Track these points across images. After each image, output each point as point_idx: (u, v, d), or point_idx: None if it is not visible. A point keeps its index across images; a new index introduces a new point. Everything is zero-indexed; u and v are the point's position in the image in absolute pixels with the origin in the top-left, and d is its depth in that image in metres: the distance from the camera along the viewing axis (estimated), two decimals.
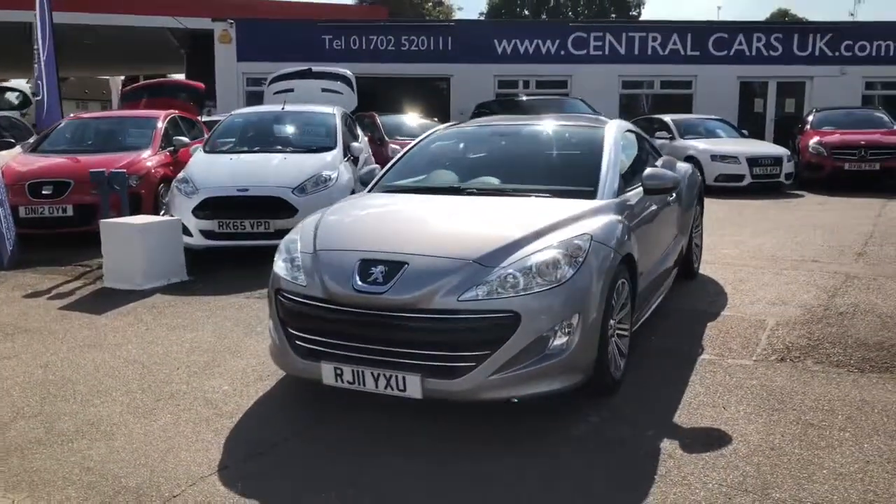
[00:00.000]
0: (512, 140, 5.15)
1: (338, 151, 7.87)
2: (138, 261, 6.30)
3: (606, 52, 19.23)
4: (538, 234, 3.59)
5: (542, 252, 3.44)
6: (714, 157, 13.55)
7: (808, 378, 4.04)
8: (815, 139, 14.48)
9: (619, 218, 3.99)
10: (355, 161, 8.24)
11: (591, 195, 4.16)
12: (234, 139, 8.35)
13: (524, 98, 16.57)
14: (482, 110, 17.98)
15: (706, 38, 19.14)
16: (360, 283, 3.43)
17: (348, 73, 10.91)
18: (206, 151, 7.98)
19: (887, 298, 5.60)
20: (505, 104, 17.30)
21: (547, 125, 5.23)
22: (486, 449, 3.31)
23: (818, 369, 4.17)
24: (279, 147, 8.14)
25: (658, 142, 12.99)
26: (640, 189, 4.54)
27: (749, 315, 5.20)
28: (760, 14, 44.56)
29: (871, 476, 3.00)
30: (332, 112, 8.76)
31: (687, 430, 3.44)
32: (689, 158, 12.46)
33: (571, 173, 4.53)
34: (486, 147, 5.12)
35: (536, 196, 4.23)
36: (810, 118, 15.85)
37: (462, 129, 5.41)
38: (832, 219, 10.18)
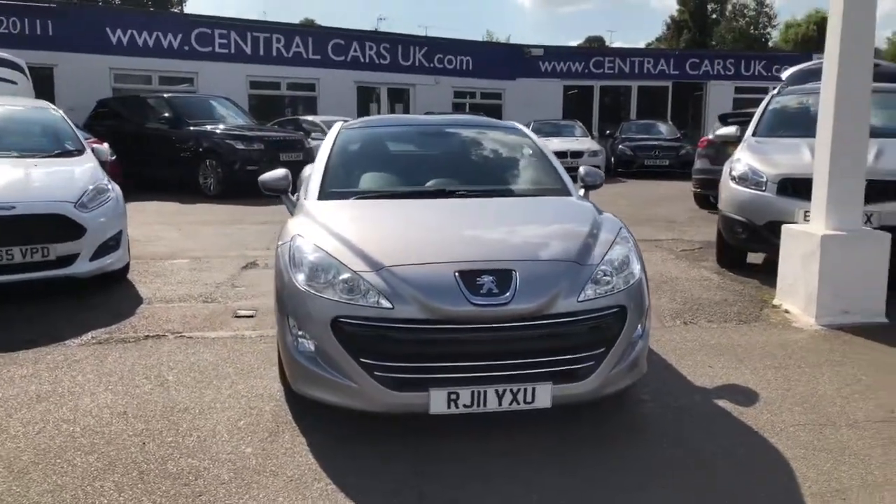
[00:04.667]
0: (445, 140, 4.98)
1: (91, 156, 6.41)
2: None
3: (233, 51, 18.73)
4: (593, 231, 3.74)
5: (614, 248, 3.61)
6: None
7: (722, 333, 4.96)
8: None
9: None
10: (102, 166, 6.81)
11: (567, 192, 4.41)
12: None
13: (165, 96, 15.12)
14: (101, 110, 15.84)
15: (326, 44, 20.00)
16: (473, 296, 3.16)
17: (19, 59, 8.64)
18: None
19: (663, 266, 6.98)
20: (131, 101, 15.54)
21: (462, 125, 5.25)
22: (591, 447, 3.38)
23: (717, 326, 5.13)
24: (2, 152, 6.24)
25: (315, 143, 13.22)
26: None
27: None
28: (295, 17, 48.37)
29: (869, 389, 3.94)
30: (52, 108, 7.02)
31: (718, 390, 3.99)
32: None
33: (533, 173, 4.67)
34: (425, 148, 4.88)
35: (532, 196, 4.31)
36: None
37: (376, 128, 5.02)
38: None
